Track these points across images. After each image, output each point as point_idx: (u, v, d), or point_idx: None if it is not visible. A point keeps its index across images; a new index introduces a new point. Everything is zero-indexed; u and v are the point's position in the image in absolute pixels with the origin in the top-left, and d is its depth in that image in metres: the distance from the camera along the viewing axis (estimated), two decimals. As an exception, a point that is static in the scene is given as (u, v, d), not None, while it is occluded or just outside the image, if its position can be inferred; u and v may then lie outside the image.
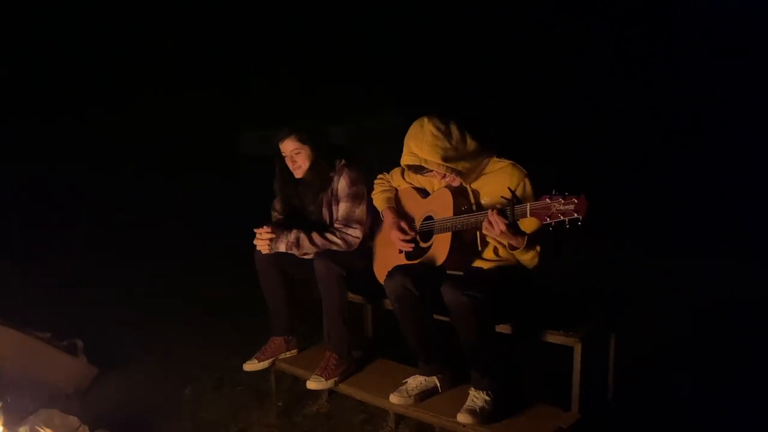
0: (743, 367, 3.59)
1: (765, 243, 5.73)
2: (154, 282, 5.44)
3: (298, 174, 3.16)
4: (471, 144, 2.66)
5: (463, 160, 2.63)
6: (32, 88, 8.37)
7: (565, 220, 2.22)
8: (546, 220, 2.26)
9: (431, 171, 2.71)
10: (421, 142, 2.62)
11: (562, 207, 2.21)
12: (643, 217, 6.65)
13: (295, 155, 3.12)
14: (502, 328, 2.67)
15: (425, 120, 2.66)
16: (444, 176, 2.69)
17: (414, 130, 2.68)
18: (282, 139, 3.12)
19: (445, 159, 2.60)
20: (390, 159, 3.15)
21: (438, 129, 2.62)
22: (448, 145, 2.61)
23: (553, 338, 2.59)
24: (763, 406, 3.15)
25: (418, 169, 2.79)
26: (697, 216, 6.62)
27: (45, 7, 8.51)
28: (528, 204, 2.34)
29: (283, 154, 3.14)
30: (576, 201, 2.20)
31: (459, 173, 2.63)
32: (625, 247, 5.61)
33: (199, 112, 9.28)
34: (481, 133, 2.71)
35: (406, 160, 2.71)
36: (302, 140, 3.11)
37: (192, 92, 9.29)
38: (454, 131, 2.64)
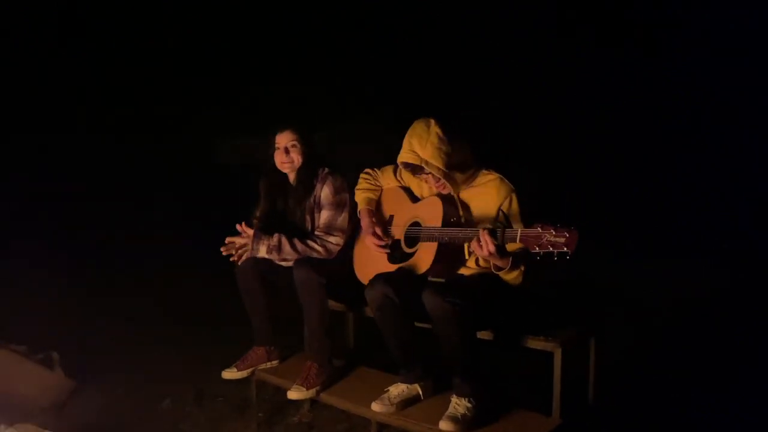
0: (727, 370, 3.57)
1: (753, 244, 5.70)
2: (132, 292, 5.40)
3: (288, 169, 3.14)
4: (468, 155, 2.65)
5: (459, 170, 2.62)
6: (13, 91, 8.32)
7: (554, 252, 2.19)
8: (535, 249, 2.23)
9: (427, 174, 2.67)
10: (426, 142, 2.58)
11: (552, 238, 2.19)
12: (628, 218, 6.61)
13: (291, 147, 3.11)
14: (484, 335, 2.66)
15: (432, 121, 2.63)
16: (438, 180, 2.65)
17: (419, 128, 2.63)
18: (282, 129, 3.13)
19: (446, 165, 2.57)
20: (373, 163, 3.12)
21: (444, 132, 2.60)
22: (450, 152, 2.58)
23: (534, 344, 2.58)
24: (749, 409, 3.11)
25: (415, 169, 2.72)
26: (685, 217, 6.58)
27: (32, 8, 8.50)
28: (519, 230, 2.31)
29: (277, 146, 3.13)
30: (567, 235, 2.17)
31: (453, 181, 2.62)
32: (607, 249, 5.55)
33: (180, 119, 9.24)
34: (475, 144, 2.70)
35: (405, 157, 2.64)
36: (300, 135, 3.12)
37: (171, 99, 9.25)
38: (456, 139, 2.62)
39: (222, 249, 3.13)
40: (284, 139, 3.12)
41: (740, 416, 3.05)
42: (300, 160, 3.13)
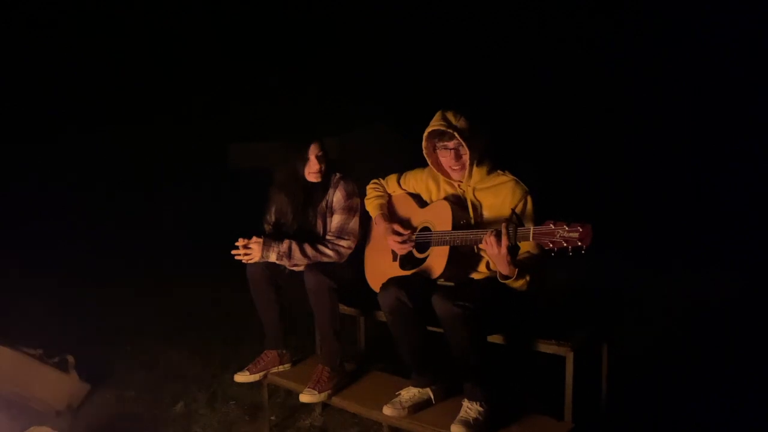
0: (738, 375, 3.56)
1: (758, 249, 5.70)
2: (146, 296, 5.42)
3: (316, 179, 3.14)
4: (487, 150, 2.66)
5: (479, 162, 2.63)
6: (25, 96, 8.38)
7: (568, 247, 2.20)
8: (549, 246, 2.24)
9: (450, 150, 2.63)
10: (460, 117, 2.61)
11: (566, 234, 2.20)
12: (635, 224, 6.62)
13: (320, 157, 3.11)
14: (495, 338, 2.65)
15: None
16: (459, 159, 2.64)
17: (453, 108, 2.66)
18: (313, 140, 3.13)
19: (473, 140, 2.59)
20: (379, 169, 3.13)
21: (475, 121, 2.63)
22: (478, 137, 2.60)
23: (546, 348, 2.57)
24: (761, 413, 3.11)
25: (442, 136, 2.66)
26: (694, 223, 6.58)
27: (44, 13, 8.58)
28: (531, 228, 2.32)
29: (308, 156, 3.11)
30: (581, 229, 2.18)
31: (472, 169, 2.62)
32: (617, 254, 5.56)
33: (195, 122, 9.30)
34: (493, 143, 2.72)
35: (435, 125, 2.63)
36: (323, 144, 3.14)
37: (187, 103, 9.31)
38: (483, 131, 2.64)
39: (233, 252, 3.13)
40: (315, 151, 3.12)
41: (752, 421, 3.05)
42: (324, 168, 3.14)
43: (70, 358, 3.57)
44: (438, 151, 2.72)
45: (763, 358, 3.76)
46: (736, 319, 4.39)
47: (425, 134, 2.68)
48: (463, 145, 2.61)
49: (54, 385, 3.42)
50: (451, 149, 2.65)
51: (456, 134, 2.58)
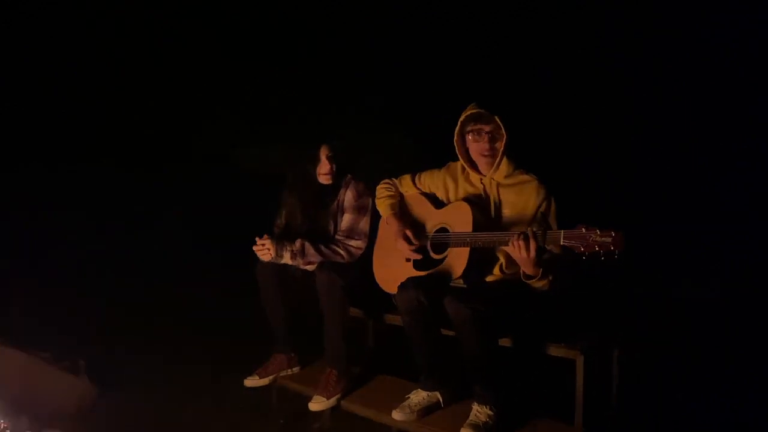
0: (749, 378, 3.55)
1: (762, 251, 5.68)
2: (155, 299, 5.43)
3: (327, 180, 3.17)
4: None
5: (508, 155, 2.65)
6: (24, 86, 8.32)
7: (600, 252, 2.19)
8: (580, 250, 2.23)
9: (485, 133, 2.64)
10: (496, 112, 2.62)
11: (599, 239, 2.19)
12: (642, 225, 6.61)
13: (330, 158, 3.17)
14: (505, 342, 2.66)
15: None
16: (494, 143, 2.64)
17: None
18: (323, 142, 3.19)
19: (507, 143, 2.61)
20: (385, 169, 3.15)
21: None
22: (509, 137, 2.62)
23: (556, 351, 2.57)
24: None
25: (478, 119, 2.65)
26: (696, 224, 6.56)
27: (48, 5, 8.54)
28: (561, 231, 2.31)
29: (319, 157, 3.17)
30: (614, 234, 2.18)
31: (502, 159, 2.64)
32: (625, 256, 5.54)
33: (200, 118, 9.23)
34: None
35: (472, 109, 2.64)
36: (334, 149, 3.19)
37: (190, 98, 9.25)
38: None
39: (254, 248, 3.14)
40: (325, 151, 3.17)
41: (760, 421, 3.05)
42: (336, 170, 3.17)
43: (81, 362, 3.58)
44: (470, 137, 2.71)
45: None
46: (754, 323, 4.36)
47: (461, 119, 2.68)
48: (501, 128, 2.61)
49: (64, 388, 3.43)
50: (486, 133, 2.64)
51: (496, 117, 2.58)
